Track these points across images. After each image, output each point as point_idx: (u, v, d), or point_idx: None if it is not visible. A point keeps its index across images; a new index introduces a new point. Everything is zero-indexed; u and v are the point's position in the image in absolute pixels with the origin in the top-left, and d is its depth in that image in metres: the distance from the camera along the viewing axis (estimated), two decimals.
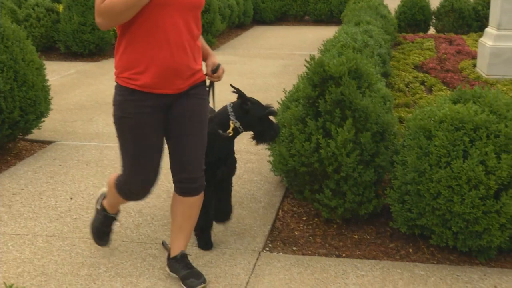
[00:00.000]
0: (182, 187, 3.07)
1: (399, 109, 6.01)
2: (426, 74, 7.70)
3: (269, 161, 4.38)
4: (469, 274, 3.28)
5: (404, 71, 7.82)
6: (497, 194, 3.27)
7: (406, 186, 3.44)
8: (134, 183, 3.03)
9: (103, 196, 3.44)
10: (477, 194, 3.21)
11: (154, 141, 2.96)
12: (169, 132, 3.02)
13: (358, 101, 3.59)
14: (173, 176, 3.10)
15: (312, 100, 3.71)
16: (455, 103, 3.64)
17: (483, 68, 7.77)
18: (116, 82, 2.94)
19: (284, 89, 5.05)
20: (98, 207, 3.44)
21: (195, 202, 3.11)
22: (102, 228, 3.38)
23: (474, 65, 8.19)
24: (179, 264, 3.16)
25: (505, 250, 3.46)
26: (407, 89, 6.94)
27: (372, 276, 3.25)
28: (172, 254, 3.19)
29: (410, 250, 3.54)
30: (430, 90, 7.02)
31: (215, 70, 3.12)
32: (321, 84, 3.67)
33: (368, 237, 3.69)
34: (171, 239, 3.22)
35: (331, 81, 3.63)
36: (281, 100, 4.54)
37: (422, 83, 7.35)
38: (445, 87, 6.98)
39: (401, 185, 3.49)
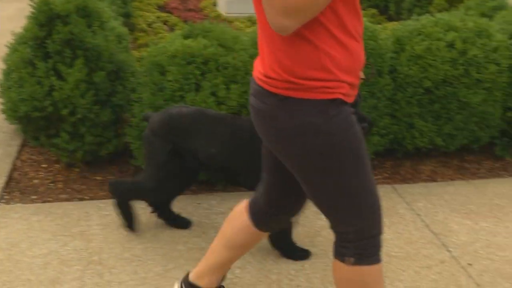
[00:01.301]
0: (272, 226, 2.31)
1: (142, 49, 6.00)
2: (169, 14, 7.76)
3: (1, 110, 4.09)
4: (209, 201, 3.45)
5: (147, 12, 7.79)
6: None
7: (143, 123, 3.46)
8: (371, 224, 1.93)
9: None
10: None
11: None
12: None
13: (88, 40, 3.48)
14: (286, 206, 2.22)
15: (40, 40, 3.52)
16: (186, 38, 3.72)
17: (222, 6, 8.05)
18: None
19: (12, 31, 4.71)
20: None
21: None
22: None
23: (215, 4, 8.44)
24: None
25: None
26: (150, 29, 6.94)
27: (116, 214, 3.25)
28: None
29: None
30: (172, 30, 7.10)
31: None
32: (48, 24, 3.49)
33: (112, 177, 3.67)
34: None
35: (58, 19, 3.46)
36: (9, 43, 4.23)
37: (165, 23, 7.40)
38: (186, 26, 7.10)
39: (139, 122, 3.50)
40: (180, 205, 3.37)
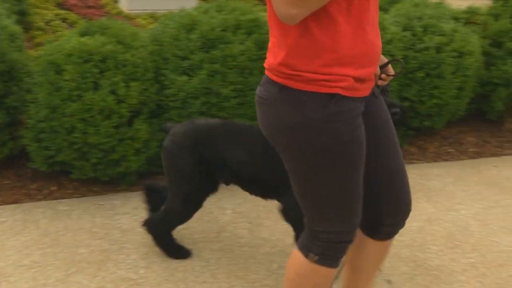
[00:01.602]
0: (387, 232, 2.14)
1: (39, 48, 5.78)
2: (68, 11, 7.53)
3: None
4: (112, 201, 3.38)
5: (45, 9, 7.53)
6: (130, 121, 3.39)
7: (40, 124, 3.35)
8: (348, 230, 1.93)
9: None
10: (110, 124, 3.27)
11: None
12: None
13: None
14: (372, 219, 2.11)
15: None
16: (83, 36, 3.62)
17: (124, 3, 7.90)
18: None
19: None
20: None
21: (390, 245, 2.24)
22: None
23: (116, 1, 8.28)
24: None
25: (144, 173, 3.64)
26: (48, 27, 6.71)
27: (13, 220, 3.12)
28: None
29: (53, 188, 3.49)
30: (71, 28, 6.90)
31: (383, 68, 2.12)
32: None
33: (8, 181, 3.52)
34: None
35: None
36: None
37: (64, 20, 7.18)
38: None
39: (35, 124, 3.38)
40: (83, 207, 3.28)
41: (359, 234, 2.16)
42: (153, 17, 7.34)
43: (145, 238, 3.02)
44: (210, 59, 3.45)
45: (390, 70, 2.08)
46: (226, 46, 3.46)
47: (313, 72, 1.70)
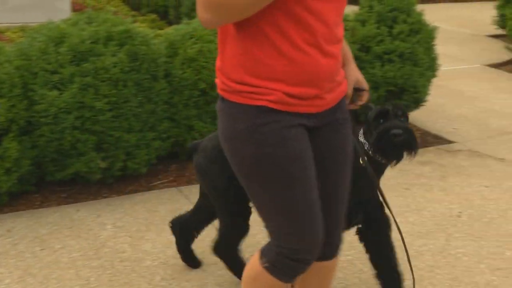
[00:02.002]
0: (322, 252, 2.05)
1: None
2: None
3: None
4: None
5: None
6: None
7: None
8: (303, 248, 1.88)
9: None
10: None
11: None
12: None
13: None
14: None
15: None
16: None
17: None
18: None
19: None
20: None
21: (334, 266, 2.16)
22: None
23: None
24: None
25: (16, 193, 3.49)
26: None
27: None
28: None
29: None
30: None
31: (358, 93, 2.09)
32: None
33: None
34: None
35: None
36: None
37: None
38: None
39: None
40: None
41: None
42: (23, 30, 7.07)
43: (20, 260, 2.90)
44: (81, 72, 3.37)
45: (362, 97, 2.09)
46: (97, 59, 3.39)
47: (242, 84, 1.74)
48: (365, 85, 2.10)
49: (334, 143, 1.95)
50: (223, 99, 1.80)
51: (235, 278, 2.82)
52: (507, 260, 3.09)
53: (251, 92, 1.74)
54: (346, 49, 2.06)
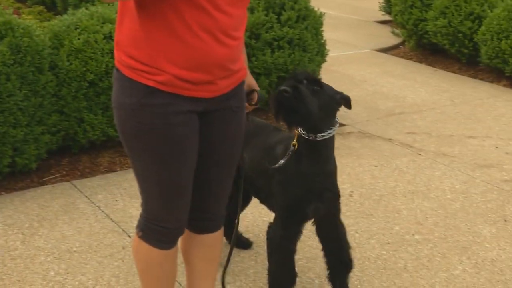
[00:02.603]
0: (201, 226, 2.20)
1: None
2: None
3: None
4: None
5: None
6: None
7: None
8: (168, 220, 2.04)
9: None
10: None
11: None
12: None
13: None
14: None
15: None
16: None
17: None
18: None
19: None
20: None
21: (220, 237, 2.28)
22: None
23: None
24: None
25: None
26: None
27: None
28: None
29: None
30: None
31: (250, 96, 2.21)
32: None
33: None
34: None
35: None
36: None
37: None
38: None
39: None
40: None
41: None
42: None
43: None
44: None
45: (254, 98, 2.20)
46: None
47: (135, 60, 1.80)
48: (256, 86, 2.23)
49: (225, 129, 2.03)
50: (118, 70, 1.87)
51: (131, 269, 2.81)
52: (395, 234, 3.25)
53: (143, 71, 1.79)
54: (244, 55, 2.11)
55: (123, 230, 3.17)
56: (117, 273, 2.80)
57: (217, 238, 2.25)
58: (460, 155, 4.34)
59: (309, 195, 2.33)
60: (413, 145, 4.51)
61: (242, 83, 2.05)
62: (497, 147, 4.51)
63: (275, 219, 2.45)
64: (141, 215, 2.06)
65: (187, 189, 1.99)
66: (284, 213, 2.38)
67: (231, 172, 2.14)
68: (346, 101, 2.30)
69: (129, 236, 3.11)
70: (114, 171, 3.90)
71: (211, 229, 2.20)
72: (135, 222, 3.19)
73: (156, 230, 2.02)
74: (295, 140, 2.28)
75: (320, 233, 2.57)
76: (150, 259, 2.08)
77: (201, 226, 2.19)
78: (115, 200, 3.49)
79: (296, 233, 2.44)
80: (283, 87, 2.06)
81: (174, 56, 1.78)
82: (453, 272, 2.92)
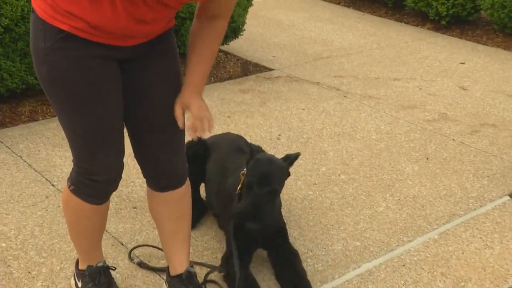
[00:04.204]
0: (159, 183, 2.10)
1: None
2: None
3: None
4: None
5: None
6: None
7: None
8: (95, 172, 1.95)
9: (76, 267, 2.25)
10: None
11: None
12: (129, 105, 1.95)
13: None
14: (142, 168, 2.12)
15: None
16: None
17: None
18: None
19: None
20: (79, 283, 2.23)
21: (185, 194, 2.16)
22: None
23: None
24: (185, 286, 2.22)
25: None
26: None
27: None
28: (174, 272, 2.25)
29: None
30: None
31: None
32: None
33: None
34: (164, 251, 2.29)
35: None
36: None
37: None
38: None
39: None
40: None
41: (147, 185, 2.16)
42: None
43: None
44: None
45: (179, 119, 1.95)
46: None
47: (51, 4, 1.70)
48: (192, 107, 1.93)
49: (154, 73, 1.93)
50: (34, 11, 1.77)
51: (56, 218, 2.75)
52: (321, 175, 3.30)
53: (58, 13, 1.71)
54: (193, 75, 1.93)
55: (46, 179, 3.09)
56: (41, 222, 2.74)
57: (181, 194, 2.15)
58: (385, 97, 4.42)
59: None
60: (340, 88, 4.56)
61: (169, 30, 1.93)
62: (420, 89, 4.62)
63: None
64: (73, 168, 1.99)
65: (112, 137, 1.90)
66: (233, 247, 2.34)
67: (172, 118, 1.95)
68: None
69: (53, 185, 3.03)
70: (36, 120, 3.77)
71: (172, 185, 2.11)
72: (58, 171, 3.15)
73: (87, 184, 1.96)
74: (238, 188, 2.33)
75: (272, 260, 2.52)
76: (80, 212, 2.03)
77: (161, 183, 2.10)
78: (38, 149, 3.39)
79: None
80: (251, 226, 2.16)
81: (85, 9, 1.69)
82: (377, 209, 3.00)
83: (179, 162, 2.09)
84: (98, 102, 1.82)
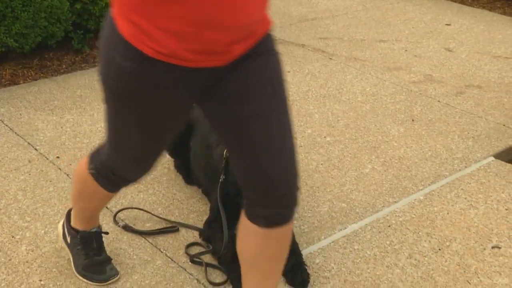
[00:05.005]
0: (268, 215, 1.66)
1: None
2: None
3: None
4: None
5: None
6: None
7: None
8: (126, 176, 1.92)
9: (68, 220, 2.22)
10: None
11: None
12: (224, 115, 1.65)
13: None
14: (244, 190, 1.69)
15: None
16: None
17: None
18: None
19: None
20: (69, 238, 2.21)
21: (288, 234, 1.75)
22: (92, 260, 2.19)
23: None
24: None
25: None
26: None
27: None
28: None
29: None
30: None
31: None
32: None
33: None
34: None
35: None
36: None
37: None
38: None
39: None
40: None
41: (243, 220, 1.74)
42: None
43: None
44: None
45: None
46: None
47: (131, 20, 1.48)
48: None
49: (257, 76, 1.63)
50: (112, 17, 1.56)
51: (39, 182, 2.72)
52: (307, 137, 3.28)
53: (136, 32, 1.49)
54: None
55: (28, 143, 3.04)
56: (24, 186, 2.71)
57: (290, 228, 1.75)
58: (370, 59, 4.39)
59: None
60: (325, 50, 4.52)
61: (265, 35, 1.63)
62: (406, 50, 4.59)
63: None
64: (100, 154, 1.91)
65: (154, 158, 1.82)
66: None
67: (286, 124, 1.64)
68: None
69: (36, 149, 2.99)
70: (17, 83, 3.71)
71: (281, 218, 1.68)
72: (41, 135, 3.11)
73: (110, 177, 1.93)
74: (224, 161, 2.32)
75: None
76: (93, 192, 2.01)
77: (269, 215, 1.67)
78: (19, 113, 3.34)
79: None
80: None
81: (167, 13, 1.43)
82: (363, 170, 3.00)
83: (292, 181, 1.67)
84: (162, 131, 1.71)
